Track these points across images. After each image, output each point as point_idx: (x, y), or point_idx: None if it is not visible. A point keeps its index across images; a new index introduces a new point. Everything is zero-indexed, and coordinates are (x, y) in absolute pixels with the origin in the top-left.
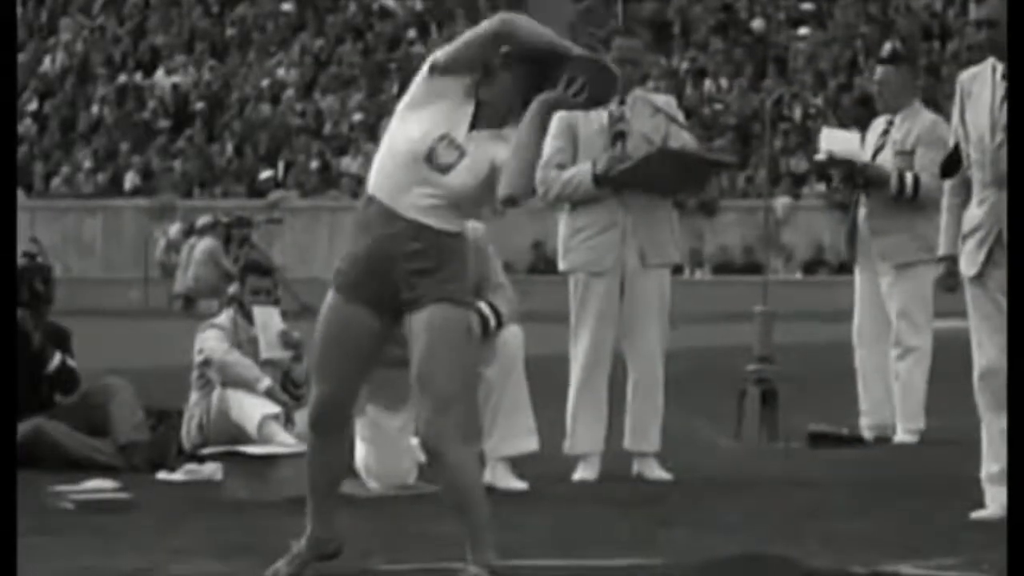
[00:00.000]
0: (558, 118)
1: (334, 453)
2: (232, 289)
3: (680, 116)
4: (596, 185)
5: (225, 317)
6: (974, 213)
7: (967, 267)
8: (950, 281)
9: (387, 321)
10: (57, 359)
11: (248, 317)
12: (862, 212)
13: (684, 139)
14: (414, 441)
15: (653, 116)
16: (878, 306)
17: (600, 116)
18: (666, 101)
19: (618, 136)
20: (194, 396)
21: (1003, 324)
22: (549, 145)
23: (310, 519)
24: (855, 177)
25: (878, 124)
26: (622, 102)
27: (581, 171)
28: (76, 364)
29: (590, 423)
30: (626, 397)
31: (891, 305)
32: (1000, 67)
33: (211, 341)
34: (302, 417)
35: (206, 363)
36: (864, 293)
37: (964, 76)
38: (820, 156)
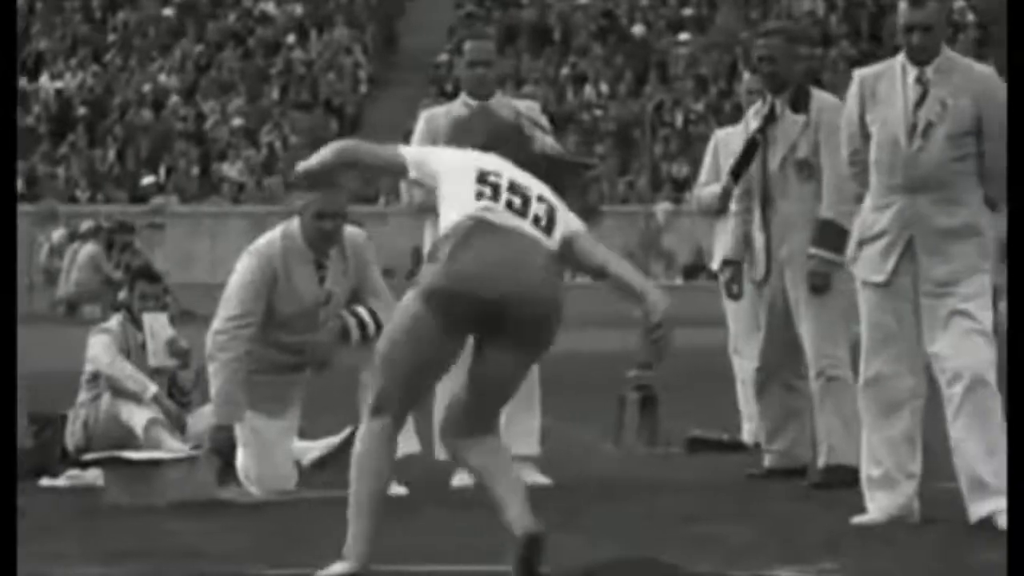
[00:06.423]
0: (421, 121)
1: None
2: (121, 295)
3: (543, 120)
4: None
5: (115, 322)
6: (874, 217)
7: (869, 273)
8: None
9: None
10: None
11: (137, 323)
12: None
13: (546, 144)
14: (297, 444)
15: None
16: (753, 316)
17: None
18: (528, 106)
19: None
20: (83, 395)
21: (899, 333)
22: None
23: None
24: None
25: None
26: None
27: None
28: None
29: None
30: None
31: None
32: (913, 70)
33: (98, 348)
34: (192, 422)
35: (95, 375)
36: (742, 304)
37: (866, 74)
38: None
